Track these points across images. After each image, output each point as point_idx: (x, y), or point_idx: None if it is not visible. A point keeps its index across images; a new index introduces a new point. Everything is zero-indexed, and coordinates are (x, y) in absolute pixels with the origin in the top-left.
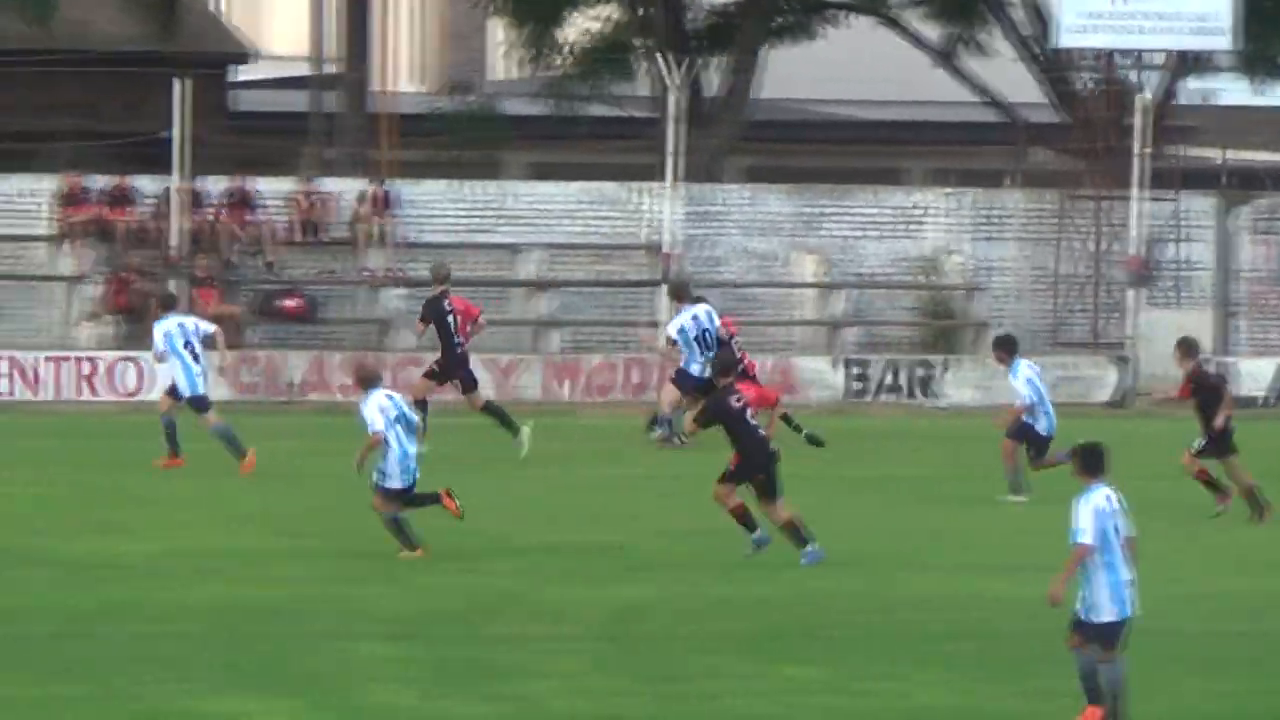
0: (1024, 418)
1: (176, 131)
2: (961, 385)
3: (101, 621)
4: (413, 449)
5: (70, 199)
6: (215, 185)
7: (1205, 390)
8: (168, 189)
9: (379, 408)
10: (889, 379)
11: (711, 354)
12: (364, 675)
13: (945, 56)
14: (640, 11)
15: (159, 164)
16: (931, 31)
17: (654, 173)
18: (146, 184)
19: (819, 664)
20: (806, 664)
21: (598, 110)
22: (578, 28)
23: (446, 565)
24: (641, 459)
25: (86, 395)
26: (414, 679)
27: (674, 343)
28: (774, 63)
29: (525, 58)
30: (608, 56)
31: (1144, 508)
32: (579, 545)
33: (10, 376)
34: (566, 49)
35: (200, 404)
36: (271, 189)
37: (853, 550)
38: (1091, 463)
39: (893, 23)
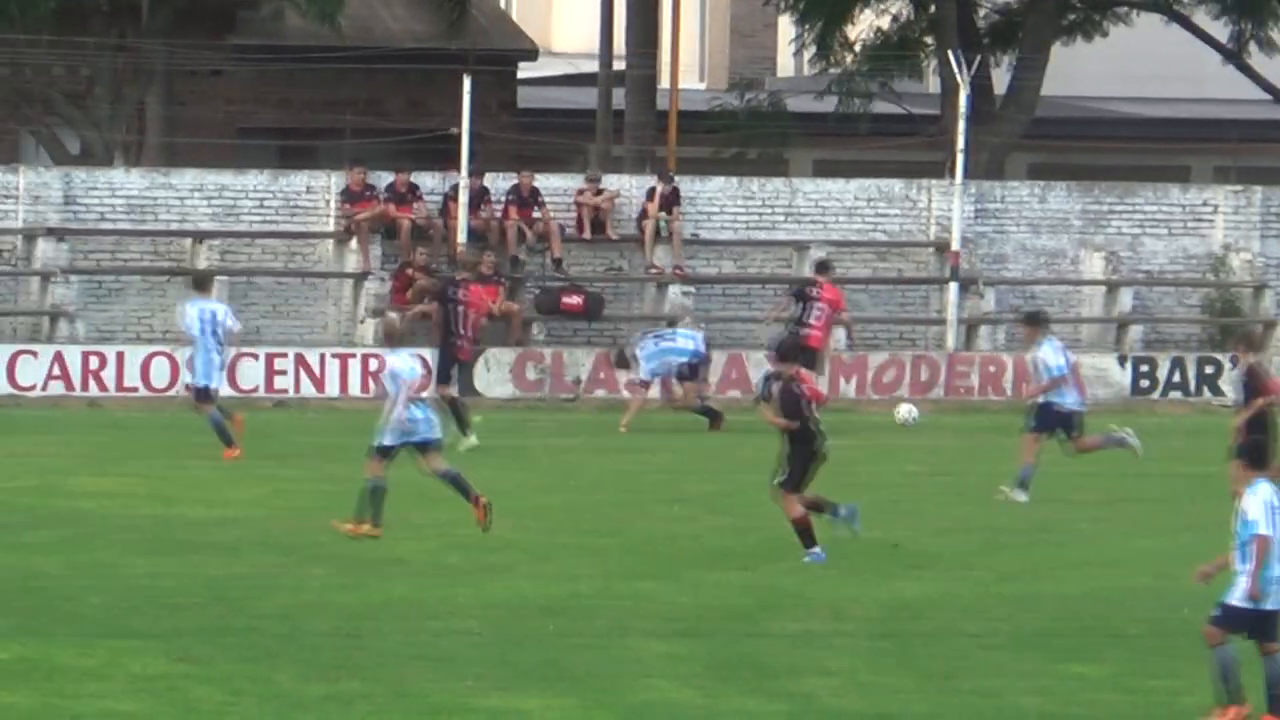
0: (1051, 396)
1: (464, 127)
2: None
3: (380, 618)
4: (419, 413)
5: (355, 195)
6: (501, 182)
7: None
8: (454, 185)
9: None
10: (1175, 377)
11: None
12: (641, 672)
13: (1233, 53)
14: (930, 9)
15: (444, 161)
16: (1219, 28)
17: (937, 170)
18: (431, 180)
19: (1102, 661)
20: (1089, 661)
21: (882, 107)
22: (866, 24)
23: (724, 562)
24: (923, 456)
25: (373, 391)
26: (691, 676)
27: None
28: (1060, 59)
29: (812, 55)
30: (896, 53)
31: None
32: (857, 542)
33: (295, 373)
34: (854, 45)
35: (203, 395)
36: (557, 186)
37: (1140, 547)
38: (1256, 457)
39: (1180, 19)
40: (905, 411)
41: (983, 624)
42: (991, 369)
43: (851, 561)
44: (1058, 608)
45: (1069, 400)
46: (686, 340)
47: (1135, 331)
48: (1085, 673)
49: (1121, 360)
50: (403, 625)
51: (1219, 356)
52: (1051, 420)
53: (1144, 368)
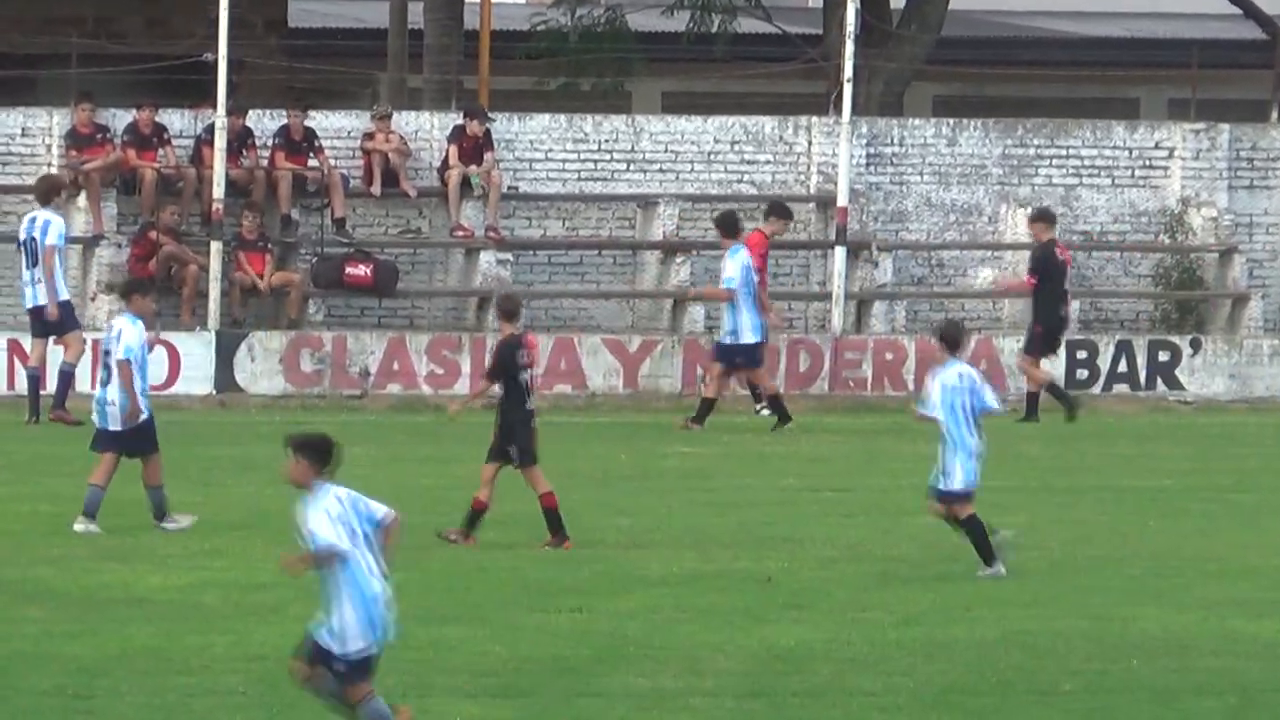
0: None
1: (220, 53)
2: (1212, 373)
3: (117, 674)
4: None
5: (83, 139)
6: (268, 122)
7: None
8: (208, 126)
9: None
10: (1121, 365)
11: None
12: None
13: None
14: None
15: (196, 96)
16: None
17: (819, 105)
18: (179, 120)
19: None
20: None
21: (748, 26)
22: None
23: (550, 601)
24: (802, 469)
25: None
26: None
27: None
28: None
29: None
30: None
31: None
32: (721, 576)
33: (9, 363)
34: None
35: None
36: (339, 126)
37: (1072, 584)
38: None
39: None
40: None
41: (879, 679)
42: (888, 356)
43: (712, 600)
44: (972, 657)
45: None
46: None
47: (1070, 308)
48: None
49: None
50: (145, 682)
51: (1176, 340)
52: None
53: (1082, 354)
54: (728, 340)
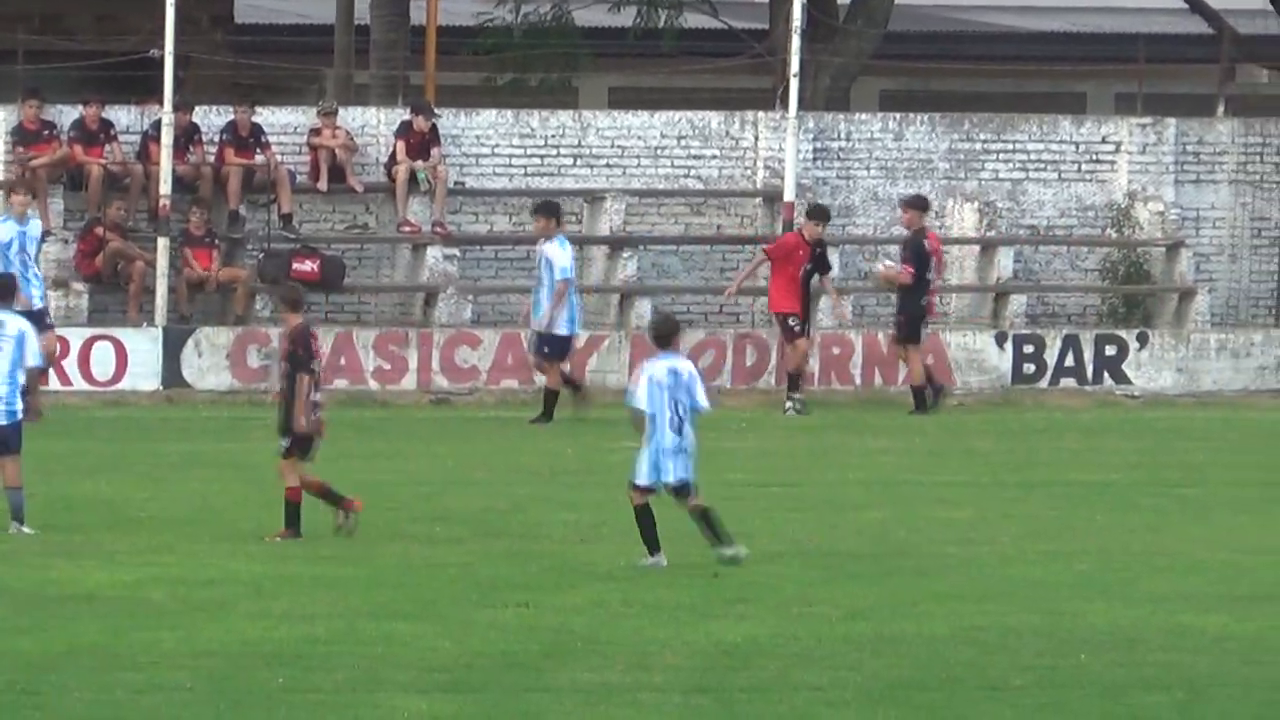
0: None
1: (167, 49)
2: (1159, 367)
3: (65, 670)
4: None
5: (29, 135)
6: (215, 118)
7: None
8: (155, 122)
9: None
10: (1068, 359)
11: None
12: None
13: None
14: None
15: (142, 91)
16: None
17: (765, 100)
18: (126, 116)
19: None
20: None
21: (695, 21)
22: None
23: (499, 597)
24: (749, 463)
25: (54, 382)
26: None
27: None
28: None
29: None
30: None
31: None
32: (667, 570)
33: None
34: None
35: None
36: (285, 122)
37: (1022, 575)
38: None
39: None
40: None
41: (826, 674)
42: (835, 351)
43: (659, 596)
44: (920, 653)
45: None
46: None
47: (1017, 302)
48: None
49: (1000, 339)
50: (93, 679)
51: (1123, 334)
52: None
53: (1028, 348)
54: (540, 329)
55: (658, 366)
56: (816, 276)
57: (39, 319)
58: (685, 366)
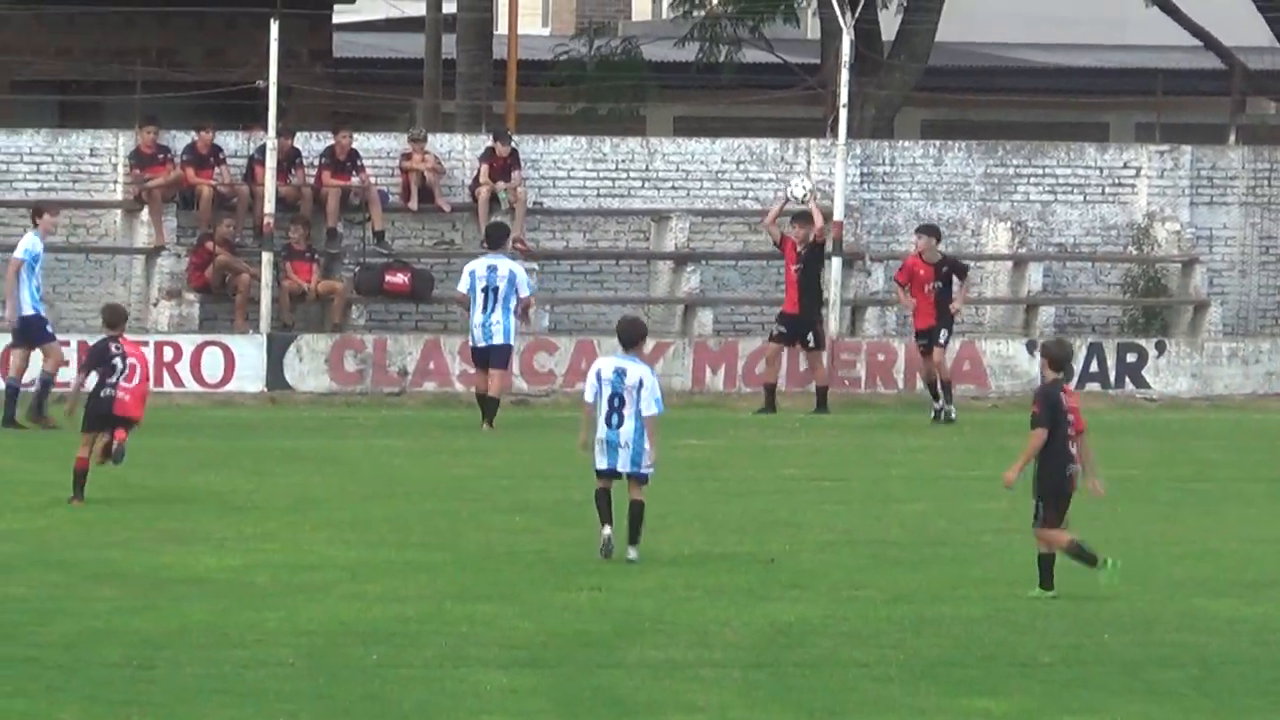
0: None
1: (271, 80)
2: (1176, 373)
3: (177, 647)
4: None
5: (146, 159)
6: (314, 143)
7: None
8: (260, 147)
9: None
10: (1092, 366)
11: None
12: (478, 708)
13: None
14: None
15: (249, 119)
16: None
17: (816, 128)
18: (234, 142)
19: (1007, 695)
20: (992, 695)
21: (752, 56)
22: None
23: (573, 581)
24: (802, 460)
25: (168, 384)
26: (536, 712)
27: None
28: (958, 1)
29: None
30: None
31: None
32: (727, 557)
33: (78, 364)
34: None
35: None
36: (379, 147)
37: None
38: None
39: None
40: (799, 186)
41: (871, 651)
42: (880, 357)
43: (720, 580)
44: (958, 632)
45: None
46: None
47: (1046, 313)
48: (990, 708)
49: (1030, 347)
50: (203, 655)
51: (1143, 342)
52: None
53: None
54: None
55: (607, 363)
56: (956, 284)
57: (40, 327)
58: (638, 371)
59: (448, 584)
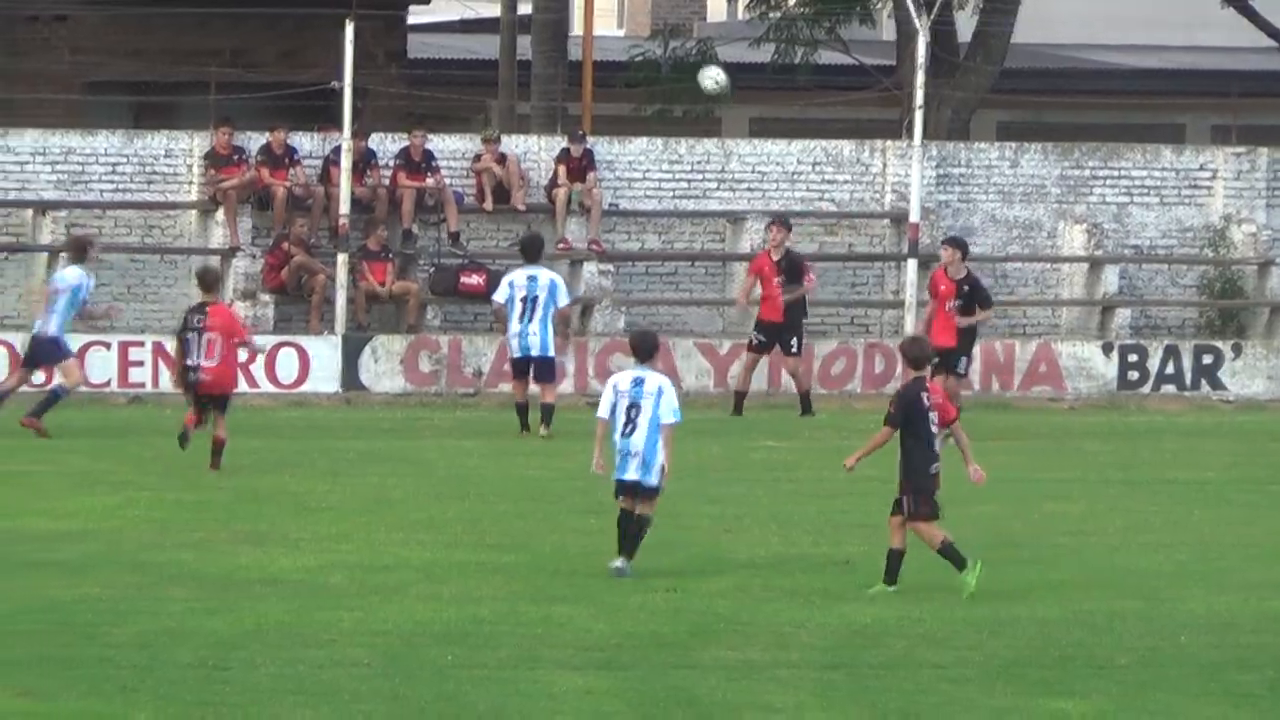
0: None
1: (346, 81)
2: (1253, 374)
3: (252, 647)
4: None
5: (221, 159)
6: (389, 144)
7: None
8: (335, 148)
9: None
10: (1168, 368)
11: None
12: (553, 709)
13: None
14: None
15: (323, 120)
16: None
17: (892, 130)
18: (308, 142)
19: (1083, 696)
20: (1069, 696)
21: (828, 57)
22: None
23: (648, 582)
24: (877, 462)
25: (242, 385)
26: (611, 714)
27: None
28: (1034, 2)
29: None
30: None
31: None
32: (803, 559)
33: (154, 365)
34: None
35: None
36: (454, 148)
37: (1126, 564)
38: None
39: None
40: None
41: (948, 653)
42: None
43: (796, 581)
44: (1034, 634)
45: None
46: None
47: (1122, 315)
48: (1066, 709)
49: (1107, 349)
50: (278, 655)
51: (1219, 344)
52: None
53: (1133, 357)
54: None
55: (624, 376)
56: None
57: (55, 350)
58: (656, 379)
59: (522, 585)
